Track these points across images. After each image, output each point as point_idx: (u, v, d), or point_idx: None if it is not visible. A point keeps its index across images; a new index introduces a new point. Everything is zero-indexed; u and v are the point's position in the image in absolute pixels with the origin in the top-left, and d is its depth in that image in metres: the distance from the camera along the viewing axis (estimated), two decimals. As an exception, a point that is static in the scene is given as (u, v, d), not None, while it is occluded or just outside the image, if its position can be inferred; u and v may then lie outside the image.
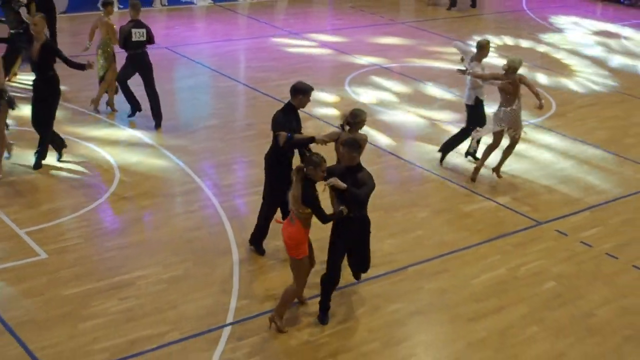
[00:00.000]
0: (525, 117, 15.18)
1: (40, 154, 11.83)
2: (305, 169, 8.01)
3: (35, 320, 8.43)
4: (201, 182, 11.94)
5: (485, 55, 12.50)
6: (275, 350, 8.26)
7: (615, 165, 13.82)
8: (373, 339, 8.56)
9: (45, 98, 11.63)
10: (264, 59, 18.63)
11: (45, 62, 11.47)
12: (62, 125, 13.13)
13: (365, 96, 16.32)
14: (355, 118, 9.27)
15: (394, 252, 10.27)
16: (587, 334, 8.94)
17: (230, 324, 8.62)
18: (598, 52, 21.50)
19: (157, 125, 13.77)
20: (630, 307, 9.50)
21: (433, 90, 17.16)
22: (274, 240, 9.93)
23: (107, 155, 12.51)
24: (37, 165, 11.78)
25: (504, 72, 11.81)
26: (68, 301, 8.79)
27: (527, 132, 13.28)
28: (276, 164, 9.39)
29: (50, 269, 9.37)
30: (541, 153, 13.99)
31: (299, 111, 9.44)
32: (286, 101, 9.44)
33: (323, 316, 8.74)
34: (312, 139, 9.18)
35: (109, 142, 13.00)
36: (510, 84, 11.74)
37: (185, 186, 11.80)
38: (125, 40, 13.38)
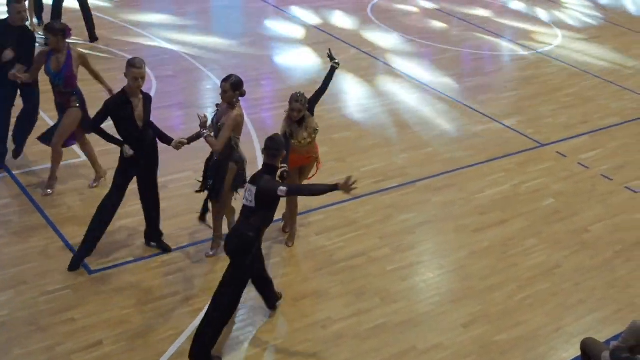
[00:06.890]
0: (532, 46, 15.21)
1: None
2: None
3: (75, 217, 8.35)
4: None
5: None
6: (294, 252, 8.22)
7: (615, 94, 13.60)
8: (384, 245, 8.56)
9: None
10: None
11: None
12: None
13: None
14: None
15: (406, 165, 10.27)
16: (581, 248, 8.95)
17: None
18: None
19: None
20: (621, 225, 9.49)
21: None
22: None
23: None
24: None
25: None
26: (106, 201, 8.44)
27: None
28: None
29: (90, 171, 9.10)
30: (548, 80, 13.85)
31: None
32: None
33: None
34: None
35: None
36: None
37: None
38: None
